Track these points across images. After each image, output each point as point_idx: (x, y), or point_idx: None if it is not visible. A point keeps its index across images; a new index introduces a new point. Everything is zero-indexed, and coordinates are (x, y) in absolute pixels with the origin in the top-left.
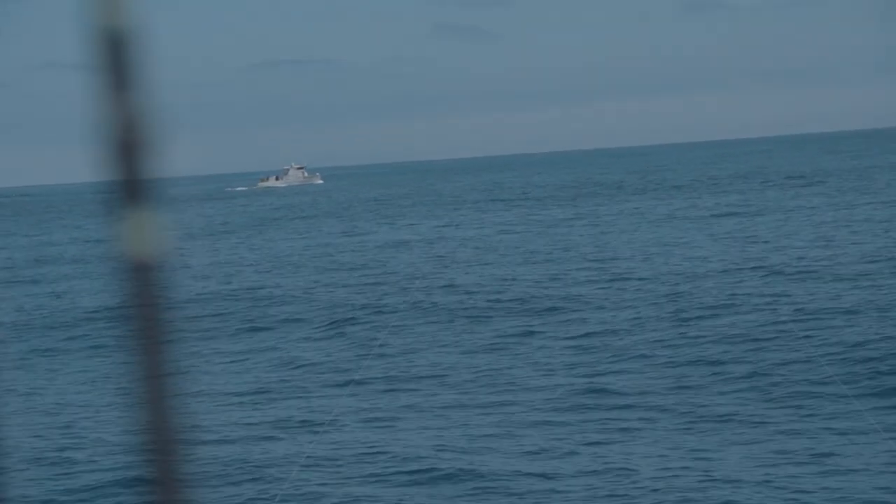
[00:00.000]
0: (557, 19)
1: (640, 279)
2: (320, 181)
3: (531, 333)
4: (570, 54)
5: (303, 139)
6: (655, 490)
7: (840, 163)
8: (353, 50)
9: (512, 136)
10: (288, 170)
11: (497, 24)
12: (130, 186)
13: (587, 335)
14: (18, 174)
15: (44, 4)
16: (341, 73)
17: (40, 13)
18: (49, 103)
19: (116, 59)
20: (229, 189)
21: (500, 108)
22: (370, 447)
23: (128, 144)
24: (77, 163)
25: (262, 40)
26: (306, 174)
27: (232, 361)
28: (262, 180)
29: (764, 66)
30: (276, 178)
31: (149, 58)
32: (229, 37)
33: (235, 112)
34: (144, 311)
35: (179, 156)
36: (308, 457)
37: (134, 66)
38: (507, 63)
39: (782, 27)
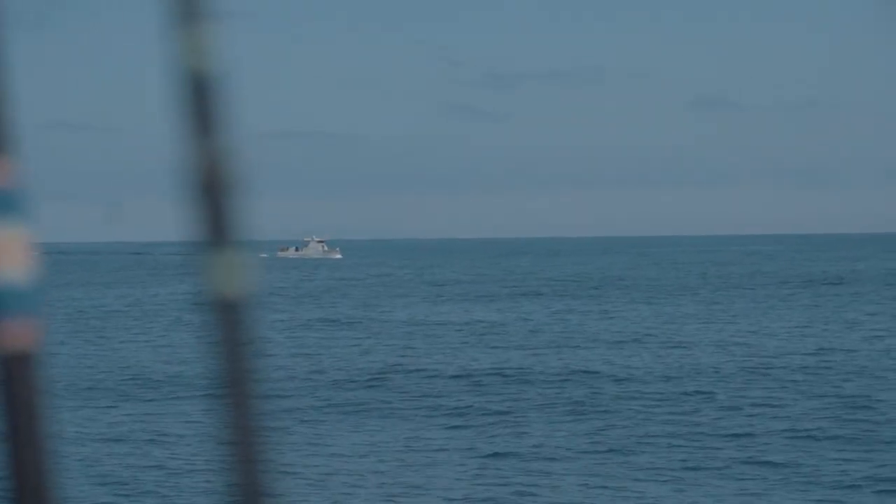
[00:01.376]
0: (564, 107)
1: None
2: (339, 256)
3: None
4: (574, 142)
5: (309, 210)
6: None
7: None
8: (360, 125)
9: (513, 219)
10: (308, 241)
11: (505, 107)
12: (215, 228)
13: None
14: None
15: (55, 63)
16: (347, 147)
17: (49, 72)
18: (58, 161)
19: (201, 101)
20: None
21: (499, 190)
22: None
23: (211, 186)
24: (86, 220)
25: (273, 110)
26: (325, 248)
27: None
28: (282, 249)
29: (769, 166)
30: (296, 249)
31: (231, 98)
32: (241, 104)
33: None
34: (233, 351)
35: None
36: None
37: (218, 108)
38: (513, 147)
39: (789, 129)
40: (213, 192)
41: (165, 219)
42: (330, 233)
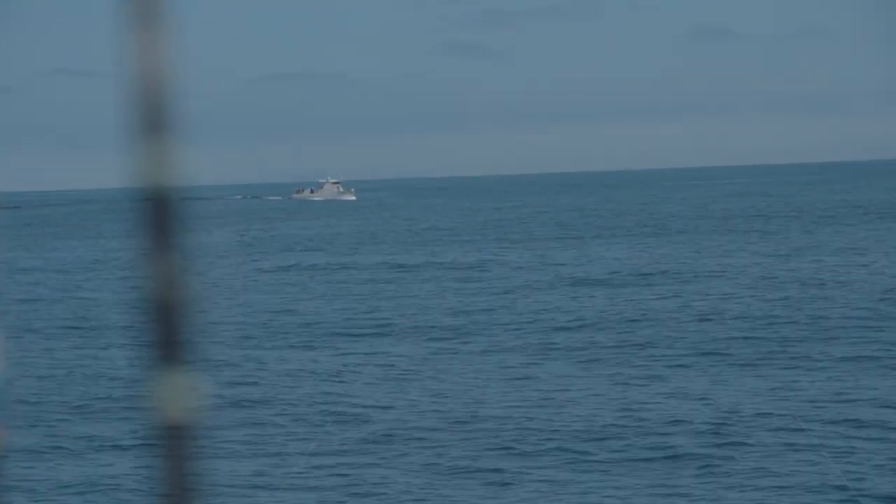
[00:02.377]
0: (563, 43)
1: None
2: (353, 197)
3: None
4: (577, 76)
5: (311, 152)
6: None
7: None
8: (359, 65)
9: (520, 155)
10: (324, 183)
11: (504, 43)
12: (168, 345)
13: None
14: (28, 179)
15: (54, 10)
16: (348, 87)
17: (50, 19)
18: (59, 109)
19: (161, 219)
20: (268, 198)
21: (506, 126)
22: None
23: (165, 304)
24: (89, 168)
25: (268, 53)
26: (341, 189)
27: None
28: (298, 192)
29: (770, 94)
30: (311, 191)
31: (188, 217)
32: (234, 48)
33: (245, 123)
34: (176, 479)
35: (199, 165)
36: None
37: (176, 227)
38: (515, 83)
39: (790, 56)
40: (165, 312)
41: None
42: (343, 174)
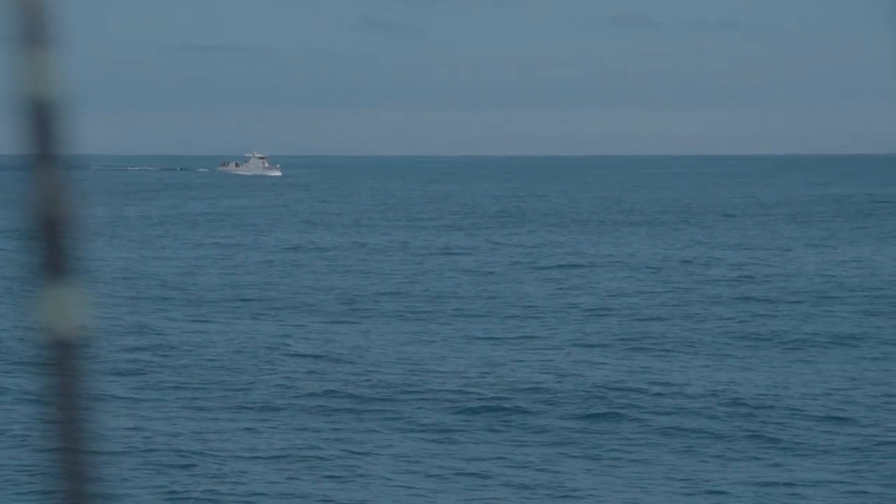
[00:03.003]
0: (485, 24)
1: None
2: (278, 173)
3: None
4: (496, 60)
5: (231, 126)
6: None
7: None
8: (276, 38)
9: (434, 136)
10: (249, 157)
11: (424, 22)
12: (52, 261)
13: None
14: None
15: None
16: (267, 61)
17: None
18: None
19: (42, 130)
20: (193, 170)
21: (422, 106)
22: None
23: (50, 220)
24: None
25: (186, 23)
26: (266, 164)
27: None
28: (224, 165)
29: (690, 86)
30: (237, 164)
31: (71, 120)
32: (146, 16)
33: (164, 93)
34: (64, 391)
35: (97, 135)
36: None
37: (59, 139)
38: (432, 62)
39: (708, 49)
40: (50, 228)
41: None
42: (264, 150)
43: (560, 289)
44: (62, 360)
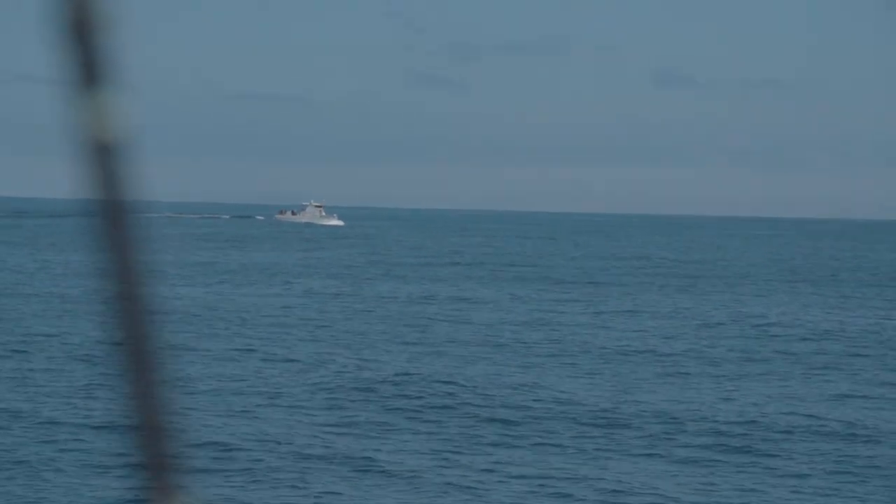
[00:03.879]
0: (527, 78)
1: None
2: (339, 222)
3: None
4: (539, 117)
5: (278, 174)
6: None
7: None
8: (321, 89)
9: (483, 190)
10: (306, 206)
11: (470, 77)
12: (87, 65)
13: None
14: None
15: (13, 16)
16: (311, 111)
17: (9, 25)
18: (23, 115)
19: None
20: (257, 217)
21: (466, 160)
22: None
23: (81, 23)
24: (52, 176)
25: (231, 73)
26: (323, 213)
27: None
28: (281, 213)
29: (733, 145)
30: (293, 213)
31: None
32: (200, 66)
33: (204, 141)
34: (110, 204)
35: (155, 180)
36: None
37: None
38: (478, 117)
39: (749, 107)
40: (82, 31)
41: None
42: (326, 199)
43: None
44: (105, 164)
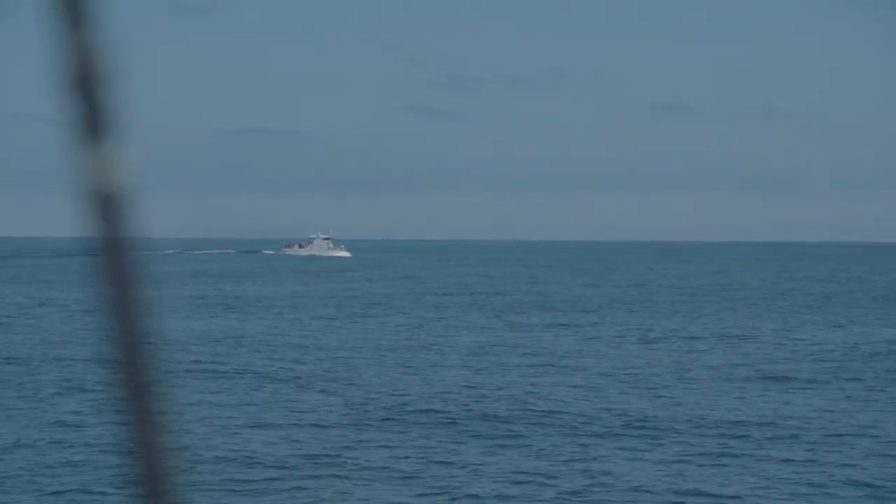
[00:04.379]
0: (526, 110)
1: None
2: (346, 254)
3: None
4: (538, 146)
5: (287, 209)
6: None
7: None
8: (319, 122)
9: (485, 221)
10: (314, 238)
11: (468, 109)
12: (91, 119)
13: None
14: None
15: (13, 55)
16: (310, 145)
17: (9, 64)
18: (20, 154)
19: None
20: (259, 252)
21: (465, 191)
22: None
23: (86, 77)
24: (51, 215)
25: (229, 108)
26: (331, 245)
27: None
28: (288, 246)
29: (731, 172)
30: (300, 246)
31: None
32: (193, 101)
33: (204, 177)
34: (113, 246)
35: (161, 218)
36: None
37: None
38: (478, 149)
39: (746, 134)
40: (87, 85)
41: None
42: (313, 231)
43: None
44: (108, 216)
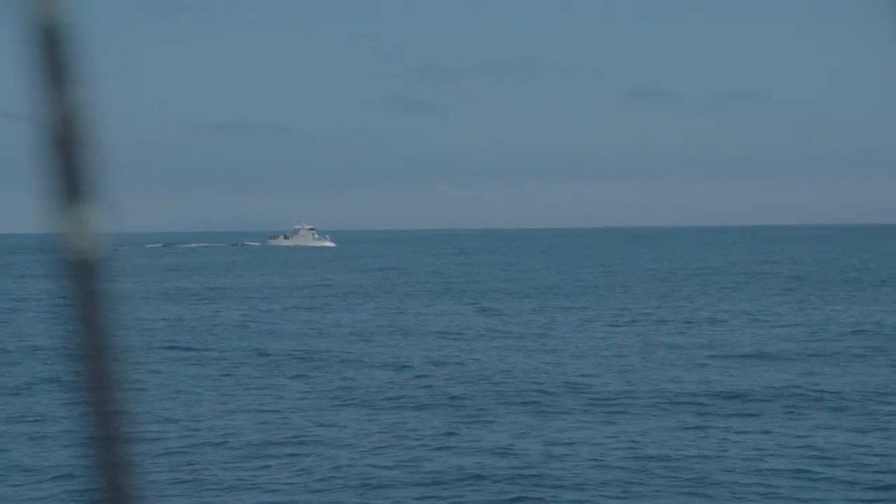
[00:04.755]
0: (502, 100)
1: None
2: (331, 244)
3: None
4: (514, 134)
5: (259, 203)
6: None
7: None
8: (299, 117)
9: (458, 210)
10: (299, 229)
11: (445, 100)
12: (69, 180)
13: None
14: None
15: None
16: (288, 140)
17: None
18: None
19: (53, 54)
20: (246, 243)
21: (447, 181)
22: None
23: (65, 139)
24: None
25: (204, 103)
26: (316, 235)
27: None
28: (273, 238)
29: (705, 157)
30: (285, 237)
31: (82, 55)
32: (173, 97)
33: (187, 172)
34: (88, 309)
35: (132, 213)
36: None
37: (70, 62)
38: (456, 139)
39: (723, 119)
40: (67, 145)
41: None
42: (292, 223)
43: None
44: (83, 278)
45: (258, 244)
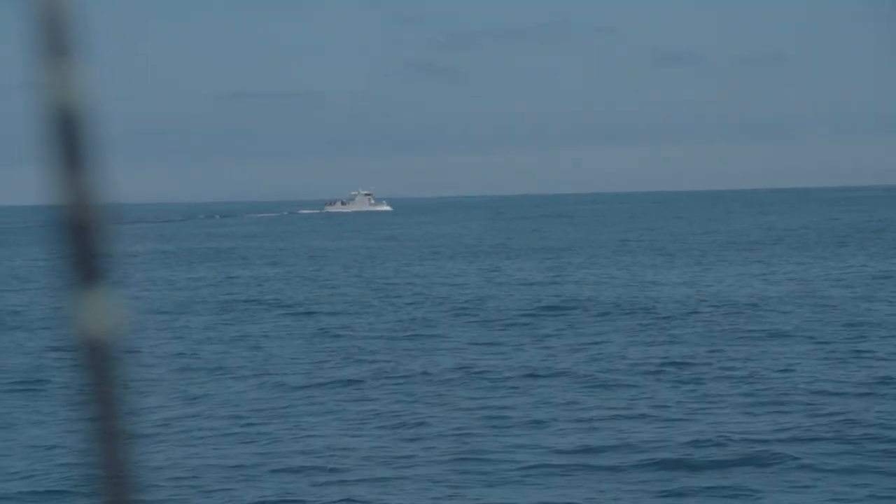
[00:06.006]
0: (527, 65)
1: None
2: (388, 208)
3: None
4: (542, 100)
5: (290, 171)
6: None
7: None
8: (322, 84)
9: (491, 176)
10: (355, 195)
11: (468, 66)
12: (84, 264)
13: None
14: None
15: None
16: (312, 107)
17: None
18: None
19: (69, 137)
20: (301, 211)
21: (471, 147)
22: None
23: (81, 224)
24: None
25: (228, 71)
26: (373, 201)
27: None
28: (329, 204)
29: (734, 120)
30: (342, 203)
31: (100, 135)
32: (194, 66)
33: (215, 141)
34: (102, 394)
35: (148, 182)
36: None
37: (87, 145)
38: (481, 105)
39: (747, 83)
40: (81, 231)
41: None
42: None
43: None
44: (97, 362)
45: (316, 211)
